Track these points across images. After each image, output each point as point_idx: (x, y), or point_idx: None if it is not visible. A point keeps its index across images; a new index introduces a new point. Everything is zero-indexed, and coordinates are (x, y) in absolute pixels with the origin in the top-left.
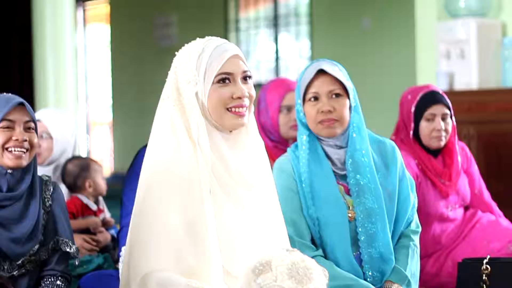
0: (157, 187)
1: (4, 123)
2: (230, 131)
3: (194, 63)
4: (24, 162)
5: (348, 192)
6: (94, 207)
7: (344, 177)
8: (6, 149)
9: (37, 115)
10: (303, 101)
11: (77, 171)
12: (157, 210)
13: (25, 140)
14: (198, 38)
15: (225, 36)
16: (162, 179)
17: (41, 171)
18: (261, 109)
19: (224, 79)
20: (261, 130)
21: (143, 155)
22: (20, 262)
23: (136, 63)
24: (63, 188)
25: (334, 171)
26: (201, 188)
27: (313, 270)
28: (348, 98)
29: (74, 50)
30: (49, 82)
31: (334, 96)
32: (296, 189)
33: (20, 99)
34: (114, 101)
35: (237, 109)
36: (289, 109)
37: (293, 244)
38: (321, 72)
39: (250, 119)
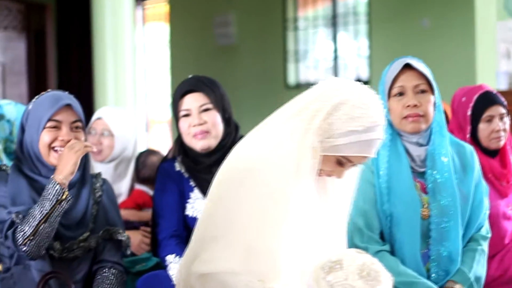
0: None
1: (51, 123)
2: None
3: (344, 130)
4: None
5: (424, 190)
6: None
7: (422, 174)
8: (53, 148)
9: (99, 113)
10: (388, 97)
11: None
12: (234, 209)
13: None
14: (369, 101)
15: (283, 35)
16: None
17: (101, 168)
18: None
19: (343, 163)
20: None
21: (162, 172)
22: (68, 244)
23: (195, 62)
24: (126, 183)
25: (412, 168)
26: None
27: (382, 273)
28: (433, 94)
29: (134, 49)
30: (108, 81)
31: (420, 91)
32: (373, 182)
33: (68, 100)
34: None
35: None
36: None
37: (361, 235)
38: (407, 67)
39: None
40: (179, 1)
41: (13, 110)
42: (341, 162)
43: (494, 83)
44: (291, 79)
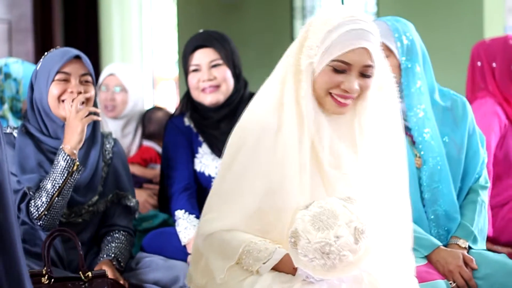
0: (247, 151)
1: (59, 76)
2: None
3: (323, 34)
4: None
5: (414, 143)
6: None
7: (407, 128)
8: (62, 101)
9: (110, 69)
10: None
11: (164, 121)
12: (242, 173)
13: (80, 93)
14: (343, 8)
15: None
16: (254, 144)
17: (112, 124)
18: None
19: (340, 68)
20: None
21: (171, 126)
22: (76, 208)
23: (201, 19)
24: (136, 139)
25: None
26: (291, 162)
27: (339, 219)
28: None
29: (140, 5)
30: (114, 38)
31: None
32: None
33: (77, 52)
34: (179, 56)
35: (340, 99)
36: None
37: None
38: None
39: (367, 104)
40: None
41: (20, 68)
42: (336, 69)
43: None
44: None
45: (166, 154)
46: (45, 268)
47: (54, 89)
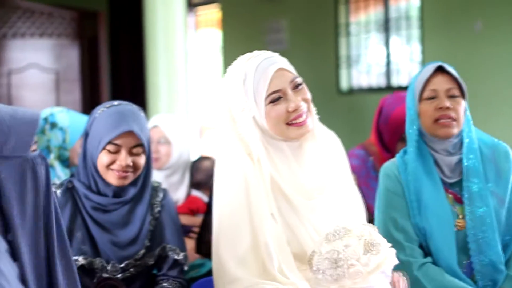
0: (227, 213)
1: (110, 146)
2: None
3: (241, 90)
4: (128, 181)
5: (459, 200)
6: None
7: (453, 185)
8: (111, 169)
9: (155, 120)
10: (419, 101)
11: (212, 170)
12: (229, 234)
13: (128, 165)
14: (238, 58)
15: (335, 40)
16: (231, 209)
17: (158, 176)
18: (381, 118)
19: (275, 98)
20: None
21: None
22: (123, 265)
23: None
24: (183, 189)
25: (442, 179)
26: (261, 214)
27: (382, 244)
28: (464, 100)
29: (186, 55)
30: (161, 87)
31: (451, 96)
32: (403, 195)
33: (130, 126)
34: None
35: (296, 121)
36: None
37: (402, 249)
38: (438, 71)
39: (314, 121)
40: (231, 7)
41: (66, 117)
42: (274, 101)
43: None
44: (344, 85)
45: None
46: None
47: (104, 158)
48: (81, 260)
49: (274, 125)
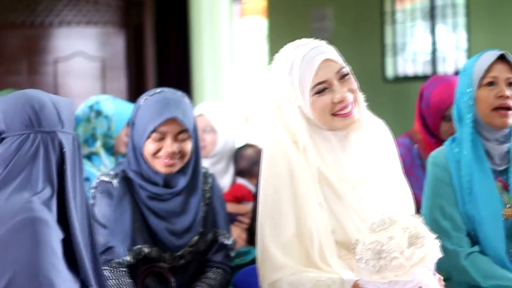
0: (273, 201)
1: (155, 135)
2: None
3: (287, 80)
4: (175, 169)
5: (506, 188)
6: None
7: (502, 172)
8: (157, 157)
9: (200, 109)
10: (478, 86)
11: (255, 158)
12: (275, 220)
13: (175, 152)
14: (285, 46)
15: (381, 28)
16: (276, 196)
17: (203, 162)
18: (422, 101)
19: (321, 89)
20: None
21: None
22: (180, 253)
23: None
24: (228, 177)
25: (491, 168)
26: (306, 202)
27: (427, 237)
28: None
29: (231, 43)
30: (206, 75)
31: (509, 84)
32: (450, 183)
33: (173, 113)
34: None
35: (342, 112)
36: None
37: (449, 238)
38: (499, 59)
39: (361, 111)
40: None
41: (111, 105)
42: (320, 91)
43: None
44: (389, 73)
45: None
46: None
47: (150, 146)
48: (145, 249)
49: (320, 115)
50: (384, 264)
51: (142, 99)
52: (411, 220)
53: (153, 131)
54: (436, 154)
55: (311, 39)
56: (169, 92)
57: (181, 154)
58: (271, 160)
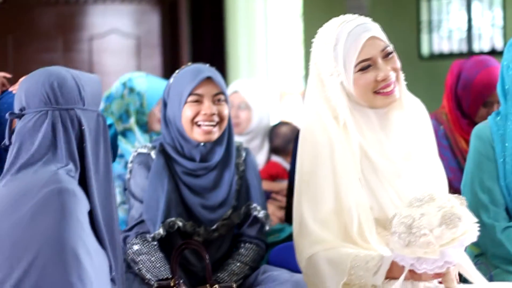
0: (311, 174)
1: (192, 97)
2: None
3: (331, 55)
4: (214, 136)
5: None
6: None
7: None
8: (196, 123)
9: (235, 86)
10: None
11: (290, 135)
12: (314, 196)
13: (214, 114)
14: (331, 21)
15: (417, 5)
16: (315, 171)
17: (238, 140)
18: (460, 83)
19: (365, 66)
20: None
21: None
22: (214, 227)
23: None
24: (263, 155)
25: None
26: (346, 177)
27: (463, 217)
28: None
29: (266, 20)
30: (241, 52)
31: None
32: (493, 157)
33: (208, 73)
34: (306, 71)
35: (384, 90)
36: (492, 104)
37: (487, 212)
38: None
39: (402, 90)
40: None
41: (144, 82)
42: (363, 69)
43: None
44: (425, 50)
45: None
46: (173, 280)
47: (188, 111)
48: (178, 222)
49: (361, 92)
50: (413, 239)
51: (173, 77)
52: (450, 200)
53: (190, 94)
54: (481, 127)
55: (356, 15)
56: (198, 64)
57: (220, 117)
58: (311, 134)
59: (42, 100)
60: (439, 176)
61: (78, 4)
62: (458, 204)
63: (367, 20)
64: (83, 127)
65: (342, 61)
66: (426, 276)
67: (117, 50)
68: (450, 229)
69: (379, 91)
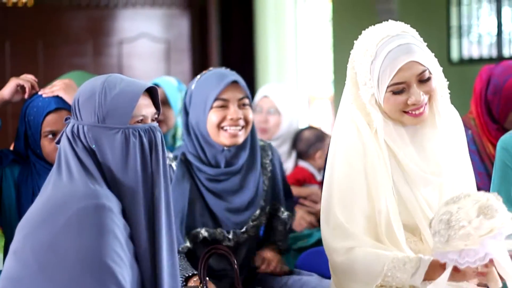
0: (344, 176)
1: (218, 102)
2: None
3: (368, 67)
4: (240, 140)
5: None
6: (319, 177)
7: None
8: (222, 127)
9: (265, 90)
10: None
11: (312, 140)
12: (344, 201)
13: (240, 118)
14: (371, 31)
15: (446, 10)
16: (347, 173)
17: None
18: (490, 88)
19: (398, 89)
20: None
21: None
22: (244, 229)
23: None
24: (291, 160)
25: None
26: (378, 182)
27: (499, 210)
28: None
29: (295, 25)
30: (270, 57)
31: None
32: None
33: (233, 77)
34: (335, 76)
35: (414, 112)
36: None
37: None
38: None
39: (438, 110)
40: None
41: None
42: (396, 91)
43: None
44: (454, 55)
45: None
46: (200, 286)
47: (214, 117)
48: (203, 232)
49: (390, 110)
50: (453, 233)
51: (193, 84)
52: (485, 195)
53: (216, 99)
54: (506, 138)
55: (400, 27)
56: (218, 68)
57: (245, 121)
58: (344, 136)
59: (73, 111)
60: (470, 188)
61: (108, 9)
62: (493, 198)
63: (411, 40)
64: (93, 146)
65: (376, 77)
66: (469, 275)
67: (146, 54)
68: (488, 219)
69: (409, 112)
